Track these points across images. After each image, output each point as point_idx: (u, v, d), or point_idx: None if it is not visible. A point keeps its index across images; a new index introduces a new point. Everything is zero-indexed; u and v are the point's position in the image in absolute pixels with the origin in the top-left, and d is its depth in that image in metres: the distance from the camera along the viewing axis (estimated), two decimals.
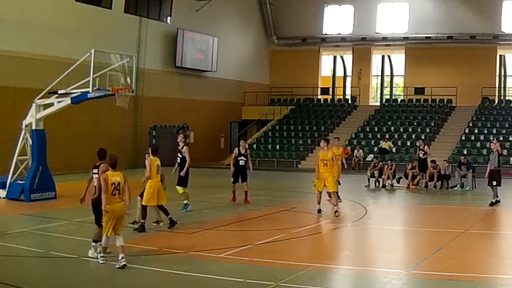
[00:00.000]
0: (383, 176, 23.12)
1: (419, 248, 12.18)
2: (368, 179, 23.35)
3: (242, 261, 10.53)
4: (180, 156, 16.17)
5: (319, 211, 15.57)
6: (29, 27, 24.68)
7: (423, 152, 23.28)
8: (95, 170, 10.85)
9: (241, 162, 17.98)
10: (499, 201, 17.72)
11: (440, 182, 22.72)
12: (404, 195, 21.56)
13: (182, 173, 15.99)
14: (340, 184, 17.41)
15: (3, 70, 24.09)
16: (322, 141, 15.84)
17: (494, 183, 17.62)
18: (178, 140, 16.45)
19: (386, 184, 23.01)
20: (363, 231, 14.61)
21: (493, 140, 18.74)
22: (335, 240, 13.61)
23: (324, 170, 15.45)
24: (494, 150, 17.93)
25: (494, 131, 31.42)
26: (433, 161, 23.15)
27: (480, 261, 10.74)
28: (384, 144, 31.30)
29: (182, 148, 16.19)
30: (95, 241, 10.64)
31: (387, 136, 32.42)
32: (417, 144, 25.45)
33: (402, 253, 11.99)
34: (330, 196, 15.85)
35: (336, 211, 15.37)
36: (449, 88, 35.52)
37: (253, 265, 10.29)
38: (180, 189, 16.01)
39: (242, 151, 18.09)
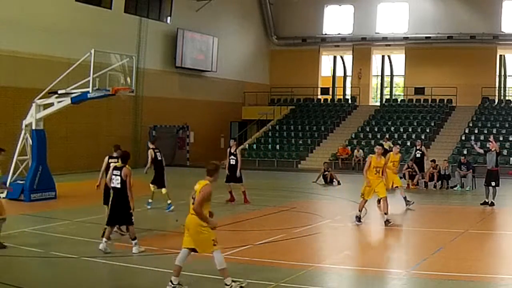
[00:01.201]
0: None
1: (419, 248, 12.18)
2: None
3: (242, 261, 10.52)
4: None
5: (359, 219, 14.50)
6: (29, 27, 24.68)
7: (420, 152, 23.32)
8: (116, 172, 11.03)
9: (232, 162, 18.04)
10: (493, 204, 17.53)
11: (440, 182, 22.73)
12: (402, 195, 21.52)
13: (145, 171, 16.46)
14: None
15: (3, 70, 24.10)
16: (378, 147, 15.06)
17: (493, 183, 17.55)
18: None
19: None
20: (363, 231, 14.61)
21: (490, 138, 18.69)
22: (335, 240, 13.60)
23: (376, 177, 14.47)
24: (493, 150, 17.86)
25: (494, 131, 31.41)
26: (433, 161, 23.16)
27: (480, 261, 10.74)
28: (384, 144, 31.24)
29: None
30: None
31: (387, 136, 32.39)
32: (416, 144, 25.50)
33: (402, 253, 11.99)
34: (379, 203, 15.05)
35: (387, 220, 14.32)
36: (449, 88, 35.53)
37: (253, 265, 10.29)
38: (163, 190, 16.24)
39: (232, 151, 18.13)
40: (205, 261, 9.09)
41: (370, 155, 15.07)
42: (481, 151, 19.03)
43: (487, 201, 17.63)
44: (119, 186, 11.01)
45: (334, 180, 24.07)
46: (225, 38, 36.50)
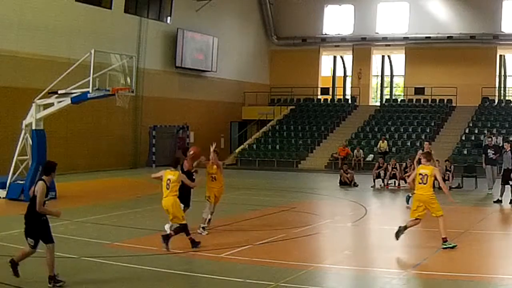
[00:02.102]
0: (386, 176, 23.01)
1: (419, 248, 12.18)
2: (374, 180, 23.10)
3: (242, 261, 10.52)
4: None
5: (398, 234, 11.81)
6: (29, 27, 24.67)
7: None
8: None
9: None
10: (499, 201, 17.80)
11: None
12: (405, 195, 21.51)
13: None
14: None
15: (3, 70, 24.08)
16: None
17: (511, 182, 17.91)
18: None
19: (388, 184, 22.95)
20: (363, 231, 14.61)
21: (507, 141, 19.21)
22: (335, 240, 13.60)
23: (421, 188, 11.70)
24: (508, 150, 18.29)
25: (494, 131, 31.40)
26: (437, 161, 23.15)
27: (480, 261, 10.75)
28: (382, 144, 31.27)
29: None
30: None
31: (387, 137, 32.38)
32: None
33: (402, 253, 11.97)
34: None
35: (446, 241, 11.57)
36: (449, 88, 35.52)
37: (253, 265, 10.29)
38: None
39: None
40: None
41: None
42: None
43: (500, 198, 17.87)
44: None
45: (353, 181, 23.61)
46: (225, 38, 36.50)
